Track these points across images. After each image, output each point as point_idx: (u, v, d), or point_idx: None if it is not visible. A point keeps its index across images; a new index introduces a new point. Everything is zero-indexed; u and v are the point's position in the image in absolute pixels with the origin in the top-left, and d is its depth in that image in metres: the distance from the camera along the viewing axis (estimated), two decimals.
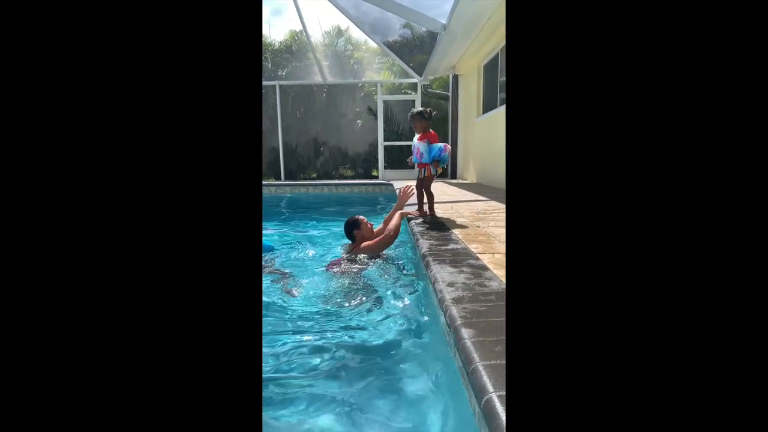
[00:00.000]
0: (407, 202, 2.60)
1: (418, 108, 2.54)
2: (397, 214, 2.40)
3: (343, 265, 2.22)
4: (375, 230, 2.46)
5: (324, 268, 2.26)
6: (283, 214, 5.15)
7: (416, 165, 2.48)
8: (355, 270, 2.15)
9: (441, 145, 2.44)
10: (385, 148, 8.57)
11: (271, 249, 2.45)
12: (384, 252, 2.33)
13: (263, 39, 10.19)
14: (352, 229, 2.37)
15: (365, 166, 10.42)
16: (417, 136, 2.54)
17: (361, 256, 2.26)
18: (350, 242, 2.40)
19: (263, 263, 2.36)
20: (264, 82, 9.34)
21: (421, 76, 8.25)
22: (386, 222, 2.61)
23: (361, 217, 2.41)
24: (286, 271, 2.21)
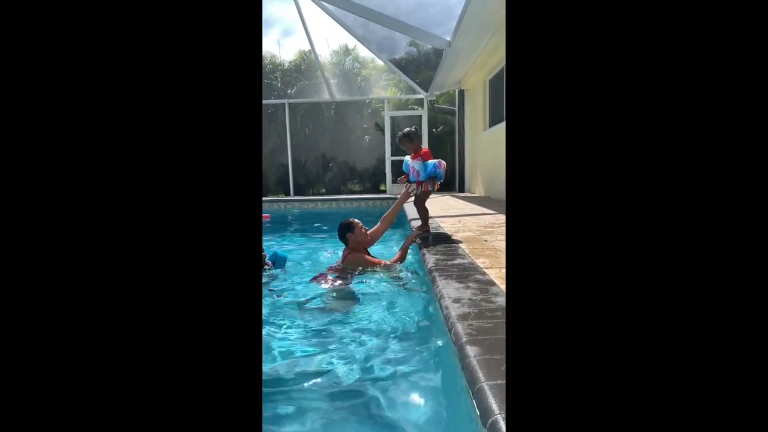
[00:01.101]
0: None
1: (404, 130, 2.48)
2: (407, 241, 2.38)
3: (338, 277, 2.21)
4: (369, 232, 2.45)
5: (314, 280, 2.23)
6: (292, 228, 5.18)
7: (414, 183, 2.47)
8: (356, 281, 2.13)
9: (435, 161, 2.41)
10: (393, 162, 8.63)
11: (285, 259, 2.48)
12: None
13: (274, 59, 10.49)
14: (345, 231, 2.35)
15: (373, 180, 10.48)
16: (410, 156, 2.53)
17: (360, 267, 2.25)
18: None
19: (274, 273, 2.38)
20: (274, 101, 9.55)
21: (427, 92, 8.36)
22: (383, 221, 2.59)
23: (356, 220, 2.38)
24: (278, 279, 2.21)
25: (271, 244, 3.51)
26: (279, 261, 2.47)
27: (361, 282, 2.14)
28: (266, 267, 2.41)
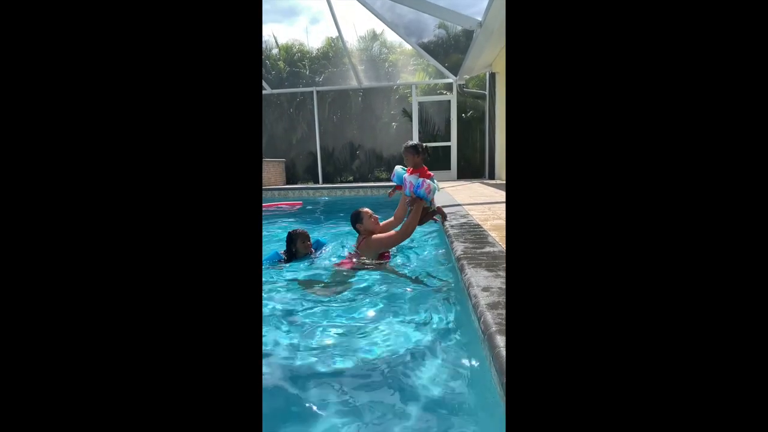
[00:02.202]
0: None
1: (414, 141, 2.37)
2: (416, 205, 2.28)
3: (355, 261, 2.21)
4: (383, 224, 2.42)
5: (334, 265, 2.25)
6: (320, 215, 5.26)
7: (408, 198, 2.36)
8: (380, 269, 2.14)
9: (419, 180, 2.25)
10: None
11: (323, 245, 2.55)
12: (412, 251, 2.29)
13: (302, 47, 10.53)
14: (354, 221, 2.34)
15: None
16: (406, 168, 2.41)
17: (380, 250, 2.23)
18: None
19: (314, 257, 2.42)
20: (302, 89, 9.64)
21: (456, 76, 8.12)
22: (397, 215, 2.55)
23: (365, 209, 2.34)
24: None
25: (310, 230, 3.57)
26: (319, 247, 2.52)
27: (384, 270, 2.15)
28: (310, 254, 2.46)
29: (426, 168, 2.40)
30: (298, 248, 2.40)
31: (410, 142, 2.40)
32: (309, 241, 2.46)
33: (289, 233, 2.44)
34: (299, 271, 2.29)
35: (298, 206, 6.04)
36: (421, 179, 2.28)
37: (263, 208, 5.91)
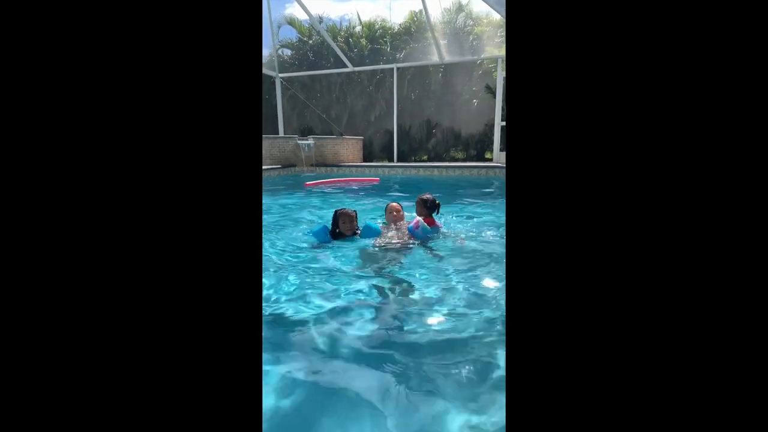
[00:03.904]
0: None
1: (434, 198, 2.53)
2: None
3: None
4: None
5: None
6: (393, 194, 5.36)
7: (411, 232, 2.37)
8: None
9: (412, 224, 2.35)
10: (503, 128, 8.02)
11: (376, 232, 2.43)
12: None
13: (384, 23, 10.49)
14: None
15: (479, 147, 9.99)
16: (416, 216, 2.49)
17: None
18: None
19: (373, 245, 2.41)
20: (382, 66, 9.67)
21: None
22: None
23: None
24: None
25: (368, 210, 3.64)
26: (365, 231, 2.40)
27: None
28: (354, 235, 2.41)
29: (432, 218, 2.52)
30: (339, 228, 2.36)
31: (432, 198, 2.53)
32: (354, 222, 2.39)
33: (335, 211, 2.42)
34: (332, 250, 2.22)
35: (375, 182, 6.28)
36: (413, 224, 2.38)
37: (348, 182, 6.25)
